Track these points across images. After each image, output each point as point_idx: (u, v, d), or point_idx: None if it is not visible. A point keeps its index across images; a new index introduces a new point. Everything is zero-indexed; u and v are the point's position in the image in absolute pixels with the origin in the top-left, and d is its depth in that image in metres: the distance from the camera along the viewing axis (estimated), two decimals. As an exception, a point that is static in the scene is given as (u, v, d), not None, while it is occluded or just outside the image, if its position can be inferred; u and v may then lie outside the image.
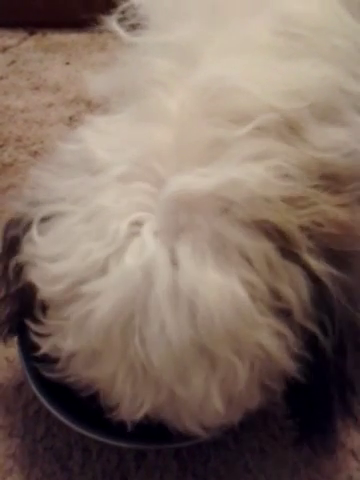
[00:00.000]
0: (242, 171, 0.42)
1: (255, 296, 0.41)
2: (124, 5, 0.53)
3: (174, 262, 0.41)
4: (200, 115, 0.44)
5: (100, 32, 0.54)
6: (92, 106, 1.03)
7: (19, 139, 1.00)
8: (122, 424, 0.62)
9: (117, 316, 0.42)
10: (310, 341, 0.44)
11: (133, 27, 0.53)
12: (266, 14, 0.48)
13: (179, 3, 0.51)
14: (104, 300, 0.42)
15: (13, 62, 1.20)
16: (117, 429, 0.61)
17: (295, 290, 0.42)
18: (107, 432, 0.60)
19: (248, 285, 0.41)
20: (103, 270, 0.42)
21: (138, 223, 0.43)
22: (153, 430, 0.62)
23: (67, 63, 1.19)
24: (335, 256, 0.43)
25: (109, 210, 0.43)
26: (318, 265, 0.42)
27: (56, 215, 0.46)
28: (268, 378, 0.45)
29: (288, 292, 0.42)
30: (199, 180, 0.42)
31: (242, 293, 0.41)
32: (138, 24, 0.53)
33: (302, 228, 0.43)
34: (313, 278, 0.42)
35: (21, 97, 1.10)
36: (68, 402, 0.61)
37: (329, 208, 0.44)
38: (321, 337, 0.43)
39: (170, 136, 0.44)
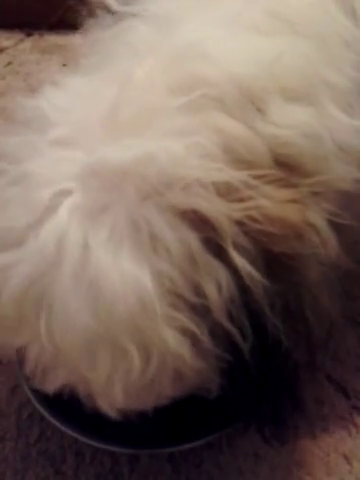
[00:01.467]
0: (159, 146, 0.39)
1: (169, 289, 0.39)
2: None
3: (86, 244, 0.39)
4: (160, 83, 0.42)
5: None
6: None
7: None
8: (116, 428, 0.62)
9: (28, 291, 0.40)
10: (229, 341, 0.41)
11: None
12: None
13: None
14: (17, 272, 0.40)
15: (10, 63, 1.21)
16: (111, 433, 0.62)
17: (216, 287, 0.39)
18: (101, 436, 0.60)
19: (161, 277, 0.38)
20: (20, 240, 0.40)
21: (62, 194, 0.40)
22: (146, 434, 0.62)
23: (64, 65, 1.19)
24: (274, 258, 0.40)
25: (37, 176, 0.41)
26: (244, 265, 0.39)
27: None
28: (177, 371, 0.42)
29: (209, 288, 0.39)
30: (119, 153, 0.39)
31: (149, 284, 0.38)
32: None
33: (235, 222, 0.39)
34: (238, 277, 0.39)
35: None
36: (62, 406, 0.61)
37: (269, 204, 0.40)
38: (239, 340, 0.40)
39: (119, 102, 0.41)
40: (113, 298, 0.38)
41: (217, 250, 0.39)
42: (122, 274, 0.38)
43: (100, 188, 0.40)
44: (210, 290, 0.39)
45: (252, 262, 0.39)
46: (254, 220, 0.39)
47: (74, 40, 1.28)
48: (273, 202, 0.40)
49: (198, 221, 0.39)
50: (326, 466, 0.63)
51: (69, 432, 0.58)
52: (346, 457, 0.63)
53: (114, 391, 0.42)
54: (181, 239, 0.39)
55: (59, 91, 0.45)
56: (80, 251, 0.39)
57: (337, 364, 0.71)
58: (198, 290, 0.39)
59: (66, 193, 0.40)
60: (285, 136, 0.42)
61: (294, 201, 0.41)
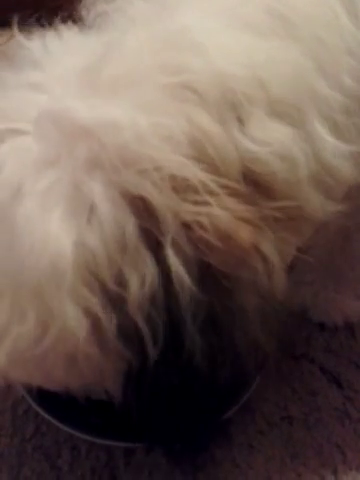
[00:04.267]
0: (125, 115, 0.37)
1: (88, 266, 0.36)
2: None
3: (19, 189, 0.37)
4: (148, 58, 0.40)
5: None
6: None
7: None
8: (111, 422, 0.62)
9: None
10: (137, 343, 0.38)
11: None
12: None
13: None
14: None
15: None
16: (106, 427, 0.62)
17: (140, 281, 0.36)
18: (95, 431, 0.60)
19: (85, 251, 0.36)
20: None
21: (13, 132, 0.38)
22: (142, 428, 0.62)
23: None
24: (210, 272, 0.38)
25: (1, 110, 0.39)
26: (177, 267, 0.37)
27: None
28: (71, 356, 0.39)
29: (131, 280, 0.36)
30: (85, 109, 0.37)
31: (69, 254, 0.36)
32: None
33: (181, 222, 0.37)
34: (166, 278, 0.37)
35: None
36: (56, 401, 0.61)
37: (223, 216, 0.37)
38: (148, 343, 0.38)
39: (103, 62, 0.40)
40: (28, 254, 0.36)
41: (153, 244, 0.37)
42: (45, 233, 0.36)
43: (54, 139, 0.37)
44: (132, 281, 0.36)
45: (186, 267, 0.37)
46: (202, 227, 0.37)
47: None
48: (228, 215, 0.38)
49: (143, 209, 0.37)
50: (320, 456, 0.63)
51: (64, 427, 0.58)
52: (340, 447, 0.64)
53: None
54: (118, 220, 0.36)
55: (56, 38, 0.43)
56: (11, 193, 0.37)
57: (330, 355, 0.71)
58: (120, 278, 0.37)
59: (17, 132, 0.39)
60: (259, 153, 0.39)
61: (249, 221, 0.39)
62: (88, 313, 0.37)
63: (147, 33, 0.41)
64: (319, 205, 0.42)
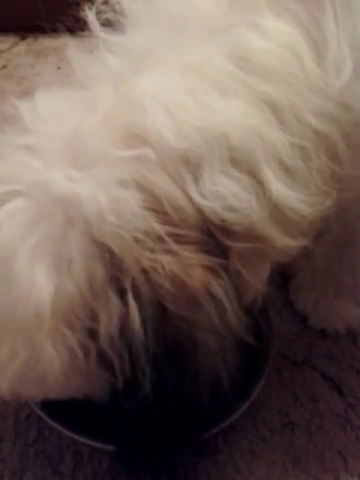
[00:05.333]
0: (102, 191, 0.43)
1: (67, 307, 0.43)
2: None
3: (14, 244, 0.43)
4: (113, 128, 0.45)
5: (92, 36, 0.55)
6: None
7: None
8: (113, 428, 0.62)
9: None
10: (110, 367, 0.45)
11: (109, 22, 0.53)
12: (224, 42, 0.45)
13: (152, 7, 0.49)
14: None
15: (4, 67, 1.21)
16: (108, 433, 0.62)
17: (108, 320, 0.43)
18: (98, 436, 0.61)
19: (64, 295, 0.43)
20: None
21: (12, 194, 0.45)
22: (144, 433, 0.63)
23: (58, 68, 1.20)
24: (166, 314, 0.43)
25: None
26: (133, 309, 0.43)
27: None
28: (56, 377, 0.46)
29: (103, 318, 0.43)
30: (63, 182, 0.43)
31: (48, 299, 0.42)
32: (115, 19, 0.53)
33: (141, 268, 0.43)
34: (126, 320, 0.43)
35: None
36: (59, 406, 0.62)
37: (174, 262, 0.43)
38: (117, 370, 0.44)
39: (80, 132, 0.45)
40: (16, 300, 0.43)
41: (120, 288, 0.43)
42: (31, 283, 0.42)
43: (41, 202, 0.44)
44: (103, 320, 0.43)
45: (141, 309, 0.43)
46: (157, 272, 0.42)
47: (69, 43, 1.29)
48: (179, 262, 0.43)
49: (110, 258, 0.43)
50: (321, 463, 0.64)
51: (66, 433, 0.58)
52: (341, 454, 0.64)
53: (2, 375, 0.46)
54: (90, 269, 0.43)
55: (44, 98, 0.49)
56: (7, 249, 0.43)
57: (332, 362, 0.71)
58: (93, 316, 0.43)
59: (15, 194, 0.45)
60: (212, 207, 0.44)
61: (203, 266, 0.44)
62: (67, 347, 0.44)
63: (112, 97, 0.46)
64: (282, 242, 0.46)
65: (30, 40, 1.28)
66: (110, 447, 0.59)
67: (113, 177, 0.43)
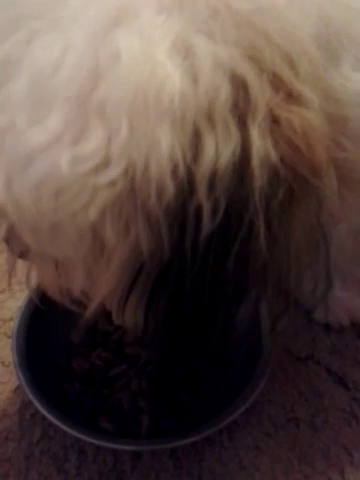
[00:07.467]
0: None
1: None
2: None
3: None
4: None
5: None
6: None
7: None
8: (117, 426, 0.63)
9: None
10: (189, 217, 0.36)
11: None
12: None
13: None
14: None
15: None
16: (112, 431, 0.62)
17: (214, 150, 0.35)
18: (102, 434, 0.61)
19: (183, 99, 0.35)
20: None
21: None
22: (148, 431, 0.63)
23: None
24: (278, 175, 0.36)
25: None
26: (259, 148, 0.36)
27: None
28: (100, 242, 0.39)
29: (207, 146, 0.35)
30: None
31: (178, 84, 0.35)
32: None
33: (272, 113, 0.36)
34: (244, 155, 0.36)
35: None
36: (63, 405, 0.62)
37: (315, 121, 0.37)
38: (206, 218, 0.36)
39: None
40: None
41: (241, 121, 0.36)
42: (151, 58, 0.35)
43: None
44: (208, 149, 0.35)
45: (266, 154, 0.36)
46: (291, 125, 0.36)
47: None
48: (318, 124, 0.37)
49: (241, 86, 0.36)
50: (327, 458, 0.63)
51: (71, 432, 0.58)
52: (346, 449, 0.64)
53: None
54: (216, 81, 0.35)
55: None
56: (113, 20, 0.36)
57: (336, 357, 0.71)
58: (196, 142, 0.35)
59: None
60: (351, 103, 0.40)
61: (331, 144, 0.39)
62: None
63: None
64: None
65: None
66: (115, 446, 0.59)
67: None
